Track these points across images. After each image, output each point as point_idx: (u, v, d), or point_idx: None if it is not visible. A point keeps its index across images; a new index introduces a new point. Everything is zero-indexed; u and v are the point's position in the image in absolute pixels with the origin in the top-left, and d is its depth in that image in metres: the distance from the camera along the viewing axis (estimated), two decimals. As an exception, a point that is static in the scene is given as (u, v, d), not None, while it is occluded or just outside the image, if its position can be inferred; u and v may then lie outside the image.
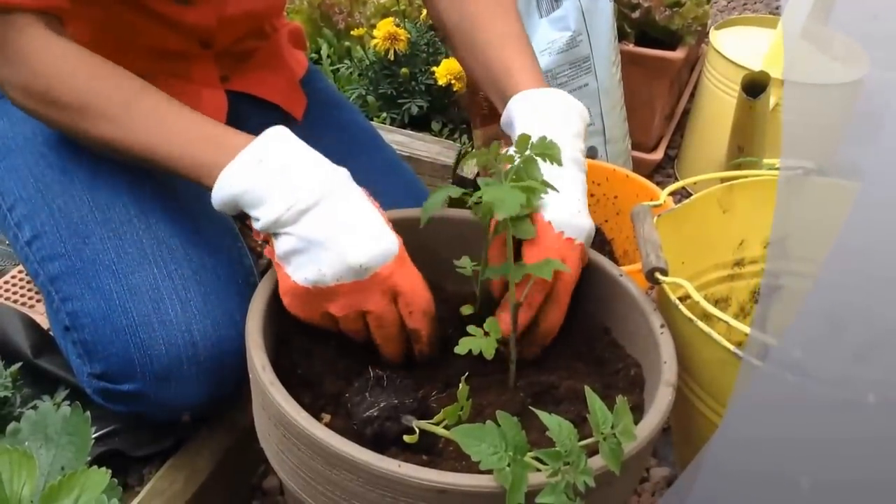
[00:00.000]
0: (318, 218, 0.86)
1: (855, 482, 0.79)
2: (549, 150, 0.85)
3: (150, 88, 0.98)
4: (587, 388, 0.76)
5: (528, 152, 0.85)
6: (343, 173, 0.90)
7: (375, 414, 0.81)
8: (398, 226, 0.91)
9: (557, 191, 0.89)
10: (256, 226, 0.88)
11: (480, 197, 0.83)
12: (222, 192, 0.89)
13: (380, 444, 0.80)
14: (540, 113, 1.00)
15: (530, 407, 0.79)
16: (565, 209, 0.92)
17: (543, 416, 0.73)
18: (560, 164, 0.86)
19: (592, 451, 0.76)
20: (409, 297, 0.88)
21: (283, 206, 0.86)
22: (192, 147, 0.93)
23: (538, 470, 0.71)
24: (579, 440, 0.81)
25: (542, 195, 0.90)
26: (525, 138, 0.85)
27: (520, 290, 0.88)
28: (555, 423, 0.72)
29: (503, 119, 1.05)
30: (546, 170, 0.90)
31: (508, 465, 0.70)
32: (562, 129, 0.97)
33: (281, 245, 0.87)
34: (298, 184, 0.87)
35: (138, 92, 0.97)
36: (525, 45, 1.12)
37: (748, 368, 0.83)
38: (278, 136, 0.91)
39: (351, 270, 0.85)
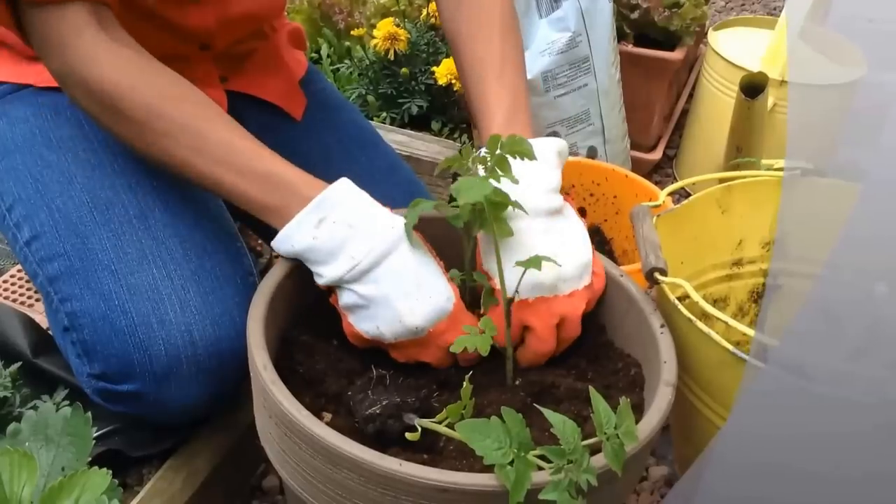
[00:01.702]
0: (378, 279, 0.88)
1: (856, 478, 0.80)
2: (519, 147, 0.85)
3: (219, 113, 0.97)
4: (591, 389, 0.76)
5: (498, 151, 0.85)
6: (400, 227, 0.91)
7: (378, 412, 0.81)
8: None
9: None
10: (319, 281, 0.90)
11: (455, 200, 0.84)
12: (283, 247, 0.91)
13: (382, 442, 0.80)
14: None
15: (535, 405, 0.80)
16: (514, 272, 0.89)
17: (548, 413, 0.73)
18: (533, 158, 0.87)
19: (594, 450, 0.76)
20: (465, 350, 0.88)
21: (346, 267, 0.88)
22: (258, 187, 0.93)
23: (541, 468, 0.71)
24: (581, 439, 0.81)
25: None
26: (495, 138, 0.85)
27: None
28: (559, 421, 0.72)
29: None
30: (516, 224, 0.91)
31: (512, 462, 0.70)
32: (530, 182, 0.94)
33: (343, 299, 0.90)
34: (360, 245, 0.88)
35: (207, 116, 0.96)
36: (505, 71, 1.08)
37: (752, 368, 0.83)
38: (339, 192, 0.92)
39: (408, 331, 0.88)
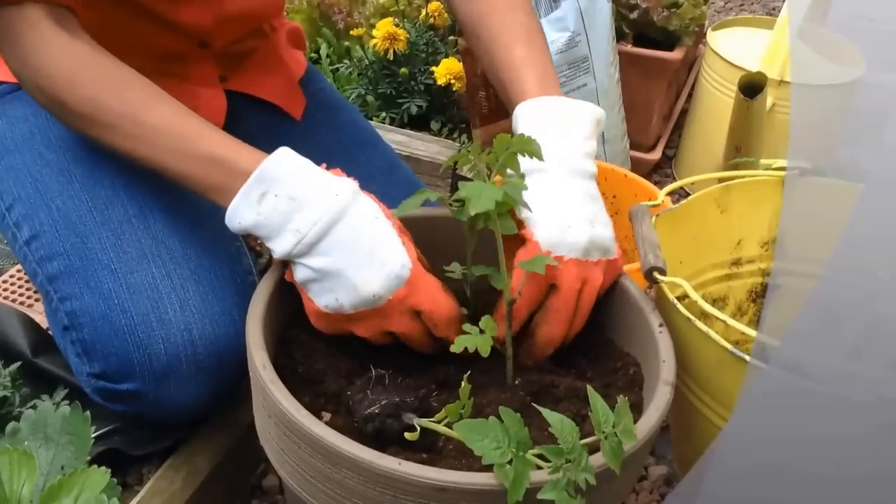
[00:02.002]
0: (327, 251, 0.86)
1: (856, 478, 0.80)
2: (527, 147, 0.84)
3: (160, 98, 0.97)
4: (589, 388, 0.76)
5: (508, 150, 0.84)
6: (349, 191, 0.89)
7: (377, 411, 0.81)
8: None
9: (530, 209, 0.89)
10: (274, 256, 0.89)
11: (460, 198, 0.83)
12: (232, 225, 0.90)
13: (381, 441, 0.80)
14: (542, 125, 0.97)
15: (533, 404, 0.80)
16: (553, 226, 0.90)
17: (546, 412, 0.73)
18: (540, 158, 0.85)
19: (593, 449, 0.76)
20: (430, 313, 0.88)
21: (293, 240, 0.86)
22: (201, 169, 0.92)
23: (539, 467, 0.71)
24: (579, 439, 0.81)
25: (529, 212, 0.89)
26: (503, 138, 0.84)
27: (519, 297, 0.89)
28: (557, 420, 0.72)
29: (512, 126, 1.03)
30: (540, 182, 0.90)
31: (510, 462, 0.70)
32: (565, 141, 0.95)
33: (297, 274, 0.89)
34: (305, 216, 0.86)
35: (147, 103, 0.96)
36: (533, 38, 1.09)
37: (753, 369, 0.84)
38: (278, 163, 0.89)
39: (365, 300, 0.86)
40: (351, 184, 0.90)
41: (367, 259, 0.86)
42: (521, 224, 0.92)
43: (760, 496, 0.85)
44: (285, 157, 0.90)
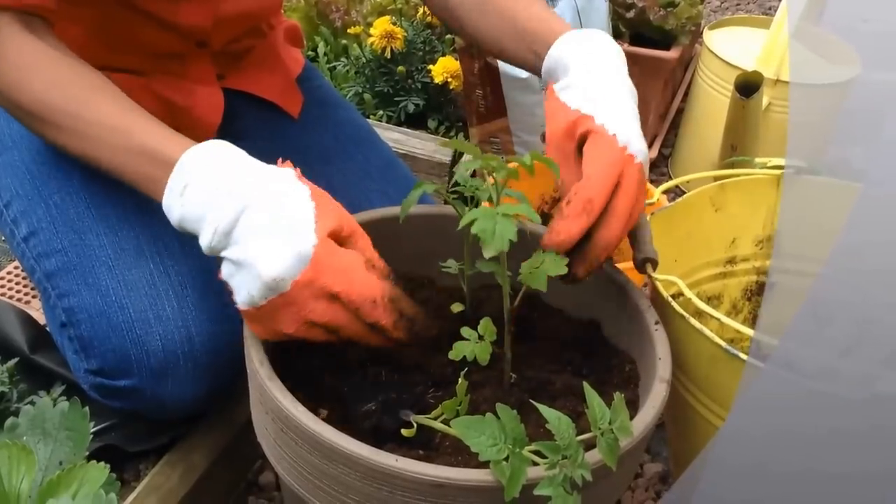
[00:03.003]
0: (238, 237, 0.81)
1: (852, 474, 0.80)
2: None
3: (105, 93, 0.94)
4: (585, 385, 0.76)
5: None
6: (262, 178, 0.84)
7: (373, 408, 0.81)
8: (393, 223, 0.90)
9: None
10: (204, 251, 0.84)
11: (456, 190, 0.83)
12: (172, 223, 0.86)
13: (378, 438, 0.81)
14: (590, 53, 0.96)
15: (531, 400, 0.80)
16: (630, 126, 0.89)
17: (543, 409, 0.73)
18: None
19: (589, 445, 0.77)
20: (347, 295, 0.80)
21: (210, 232, 0.82)
22: (133, 161, 0.89)
23: (535, 464, 0.71)
24: (575, 436, 0.82)
25: (606, 111, 0.87)
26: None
27: (576, 189, 0.85)
28: (554, 417, 0.72)
29: (545, 65, 0.99)
30: (609, 92, 0.89)
31: (507, 458, 0.70)
32: (616, 65, 0.95)
33: (222, 269, 0.83)
34: (219, 205, 0.82)
35: (90, 100, 0.93)
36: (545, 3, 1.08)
37: (750, 368, 0.84)
38: (202, 153, 0.86)
39: (268, 286, 0.79)
40: (275, 170, 0.85)
41: (270, 241, 0.80)
42: (551, 92, 0.91)
43: (756, 495, 0.86)
44: (208, 148, 0.86)
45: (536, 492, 0.69)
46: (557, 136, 0.93)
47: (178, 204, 0.84)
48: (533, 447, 0.72)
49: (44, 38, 0.95)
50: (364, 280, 0.81)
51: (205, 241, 0.82)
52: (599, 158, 0.86)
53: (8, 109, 0.97)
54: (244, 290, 0.81)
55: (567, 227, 0.85)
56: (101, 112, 0.92)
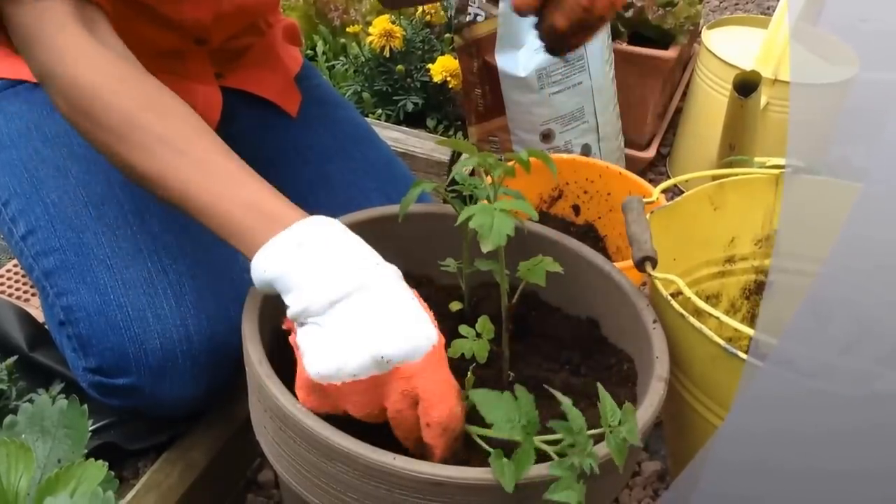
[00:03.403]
0: (349, 308, 0.76)
1: (851, 472, 0.80)
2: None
3: (203, 130, 0.90)
4: (599, 386, 0.77)
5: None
6: (390, 269, 0.81)
7: None
8: (392, 222, 0.90)
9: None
10: (288, 313, 0.80)
11: (454, 189, 0.83)
12: (258, 272, 0.81)
13: (376, 435, 0.81)
14: None
15: (544, 385, 0.80)
16: None
17: (559, 395, 0.73)
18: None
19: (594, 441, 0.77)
20: (429, 406, 0.75)
21: (315, 294, 0.77)
22: (240, 211, 0.84)
23: (544, 455, 0.72)
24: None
25: None
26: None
27: None
28: (568, 404, 0.73)
29: None
30: None
31: (511, 454, 0.71)
32: None
33: (304, 334, 0.78)
34: (336, 272, 0.78)
35: (190, 134, 0.89)
36: None
37: (750, 367, 0.84)
38: (324, 222, 0.82)
39: (373, 362, 0.74)
40: (395, 268, 0.82)
41: (387, 324, 0.76)
42: None
43: (755, 493, 0.86)
44: (329, 220, 0.83)
45: (550, 471, 0.69)
46: None
47: (286, 258, 0.79)
48: (547, 437, 0.72)
49: (110, 44, 0.91)
50: (452, 402, 0.76)
51: (302, 302, 0.77)
52: None
53: (73, 117, 0.91)
54: (333, 359, 0.75)
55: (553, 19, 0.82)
56: (203, 150, 0.87)
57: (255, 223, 0.82)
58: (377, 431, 0.82)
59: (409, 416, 0.77)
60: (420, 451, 0.78)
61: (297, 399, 0.78)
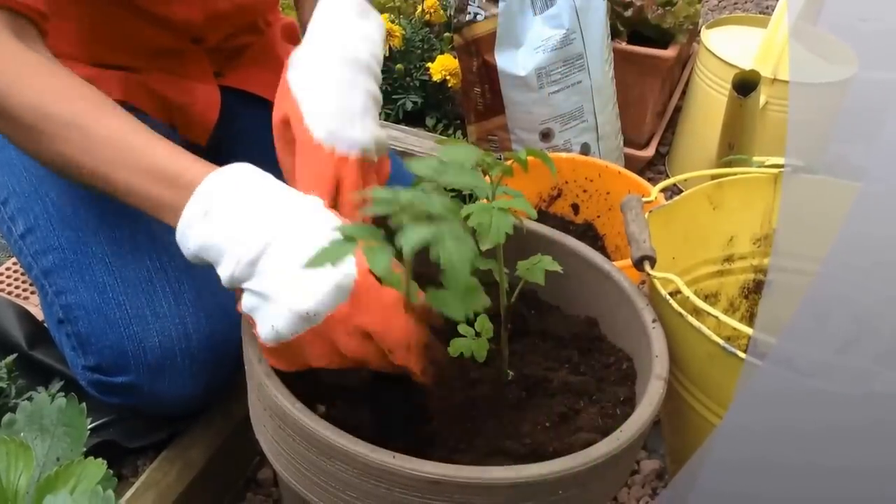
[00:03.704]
0: (266, 267, 0.77)
1: (850, 469, 0.81)
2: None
3: (110, 109, 0.88)
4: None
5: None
6: (297, 205, 0.80)
7: (371, 404, 0.82)
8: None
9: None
10: (223, 284, 0.80)
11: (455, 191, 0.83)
12: (185, 251, 0.82)
13: (376, 433, 0.81)
14: (330, 14, 0.93)
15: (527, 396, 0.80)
16: (334, 120, 0.85)
17: None
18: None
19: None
20: (381, 336, 0.76)
21: (233, 261, 0.77)
22: (146, 182, 0.83)
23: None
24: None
25: (306, 103, 0.84)
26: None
27: None
28: None
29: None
30: (309, 70, 0.86)
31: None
32: (347, 29, 0.91)
33: (243, 301, 0.79)
34: (245, 233, 0.77)
35: (96, 114, 0.87)
36: None
37: (749, 366, 0.84)
38: (222, 180, 0.81)
39: (300, 319, 0.75)
40: (304, 198, 0.81)
41: (302, 274, 0.75)
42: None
43: (753, 491, 0.86)
44: (232, 172, 0.82)
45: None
46: (276, 124, 0.92)
47: (197, 232, 0.79)
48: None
49: (34, 47, 0.90)
50: (401, 324, 0.77)
51: (226, 272, 0.78)
52: (308, 179, 0.85)
53: None
54: (268, 324, 0.77)
55: None
56: (111, 127, 0.86)
57: (164, 191, 0.82)
58: (388, 425, 0.82)
59: (369, 348, 0.77)
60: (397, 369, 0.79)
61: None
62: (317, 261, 0.67)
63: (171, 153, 0.84)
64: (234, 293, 0.81)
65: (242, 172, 0.82)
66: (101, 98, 0.89)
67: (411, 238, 0.64)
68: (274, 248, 0.77)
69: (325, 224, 0.79)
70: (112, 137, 0.85)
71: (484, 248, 0.76)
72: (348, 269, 0.76)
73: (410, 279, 0.76)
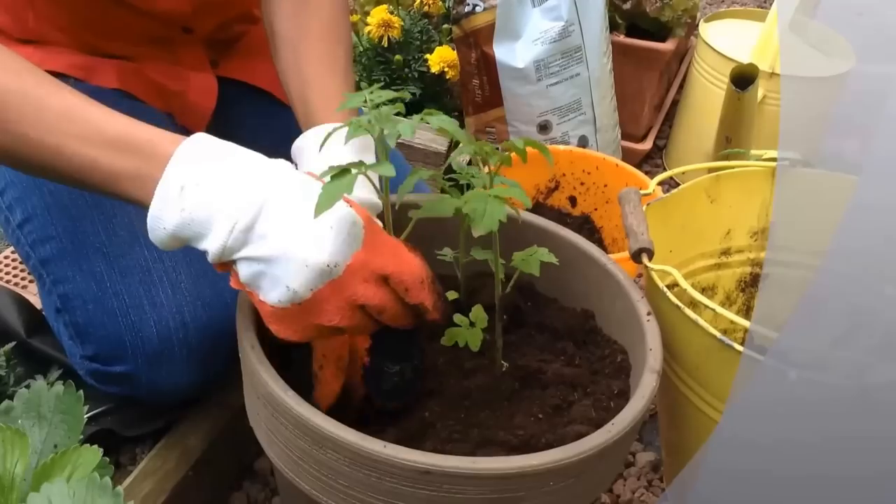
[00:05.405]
0: (265, 230, 0.74)
1: (848, 466, 0.81)
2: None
3: (63, 87, 0.84)
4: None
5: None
6: (277, 167, 0.78)
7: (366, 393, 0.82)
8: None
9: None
10: (210, 259, 0.77)
11: (451, 178, 0.83)
12: (156, 234, 0.78)
13: (367, 421, 0.81)
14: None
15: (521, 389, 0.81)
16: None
17: None
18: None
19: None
20: (398, 275, 0.77)
21: (225, 232, 0.74)
22: (109, 154, 0.79)
23: None
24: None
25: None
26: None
27: None
28: None
29: (294, 146, 0.96)
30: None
31: None
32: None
33: (241, 272, 0.76)
34: (232, 201, 0.75)
35: (49, 89, 0.83)
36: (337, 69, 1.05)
37: (747, 360, 0.84)
38: (193, 148, 0.78)
39: (321, 274, 0.74)
40: (278, 161, 0.79)
41: (311, 227, 0.74)
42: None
43: (754, 489, 0.87)
44: (200, 141, 0.79)
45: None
46: None
47: (176, 207, 0.75)
48: None
49: None
50: (412, 260, 0.78)
51: (216, 244, 0.75)
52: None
53: None
54: (282, 287, 0.74)
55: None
56: (66, 101, 0.81)
57: (129, 165, 0.78)
58: (369, 417, 0.82)
59: (385, 296, 0.77)
60: (409, 317, 0.80)
61: (273, 333, 0.78)
62: (322, 203, 0.70)
63: (133, 121, 0.81)
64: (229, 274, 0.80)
65: (209, 140, 0.79)
66: (47, 75, 0.85)
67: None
68: (270, 209, 0.75)
69: (306, 177, 0.78)
70: (67, 109, 0.81)
71: (476, 234, 0.77)
72: (354, 217, 0.76)
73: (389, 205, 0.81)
